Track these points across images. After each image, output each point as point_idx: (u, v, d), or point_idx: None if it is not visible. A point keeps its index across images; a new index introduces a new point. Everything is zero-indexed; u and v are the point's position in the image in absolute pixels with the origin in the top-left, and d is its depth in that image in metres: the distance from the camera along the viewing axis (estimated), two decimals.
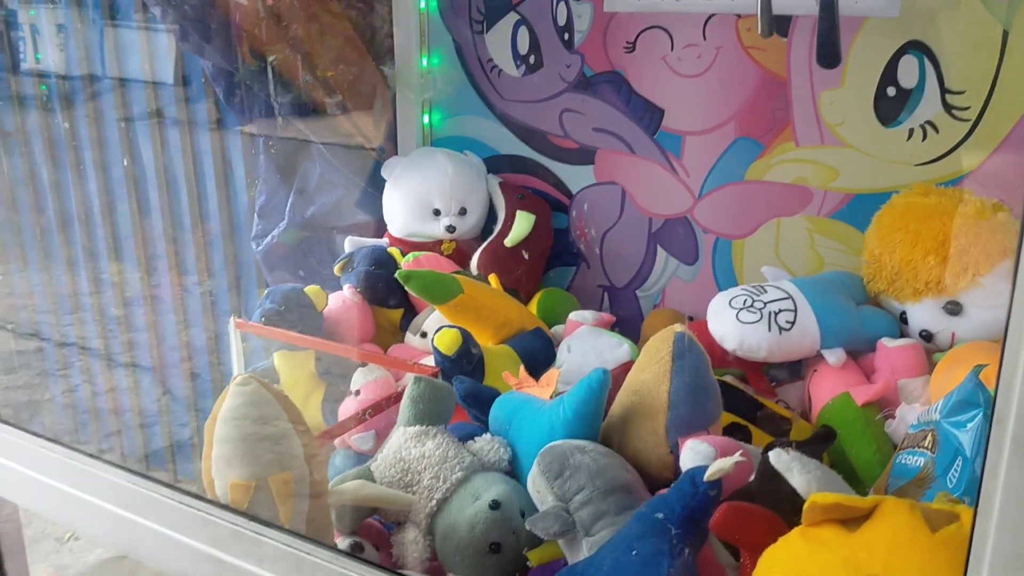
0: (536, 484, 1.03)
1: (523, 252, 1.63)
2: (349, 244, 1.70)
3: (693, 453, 0.97)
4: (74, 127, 2.50)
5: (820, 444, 0.94)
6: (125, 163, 2.45)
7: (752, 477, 0.93)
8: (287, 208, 1.83)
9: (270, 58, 1.64)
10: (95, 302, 2.80)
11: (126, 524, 1.01)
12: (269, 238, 1.84)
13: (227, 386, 0.96)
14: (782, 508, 0.83)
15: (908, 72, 1.33)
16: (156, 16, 2.03)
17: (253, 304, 1.72)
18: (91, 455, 1.02)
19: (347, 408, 1.42)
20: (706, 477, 0.87)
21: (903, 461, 0.95)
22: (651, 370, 1.09)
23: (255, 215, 1.88)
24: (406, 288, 1.40)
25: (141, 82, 2.27)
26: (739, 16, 1.44)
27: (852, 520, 0.72)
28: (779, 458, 0.85)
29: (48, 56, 2.46)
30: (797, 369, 1.38)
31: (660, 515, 0.86)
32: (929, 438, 0.92)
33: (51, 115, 2.55)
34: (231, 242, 2.22)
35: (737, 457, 0.87)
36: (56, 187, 2.64)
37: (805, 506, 0.73)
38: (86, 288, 2.82)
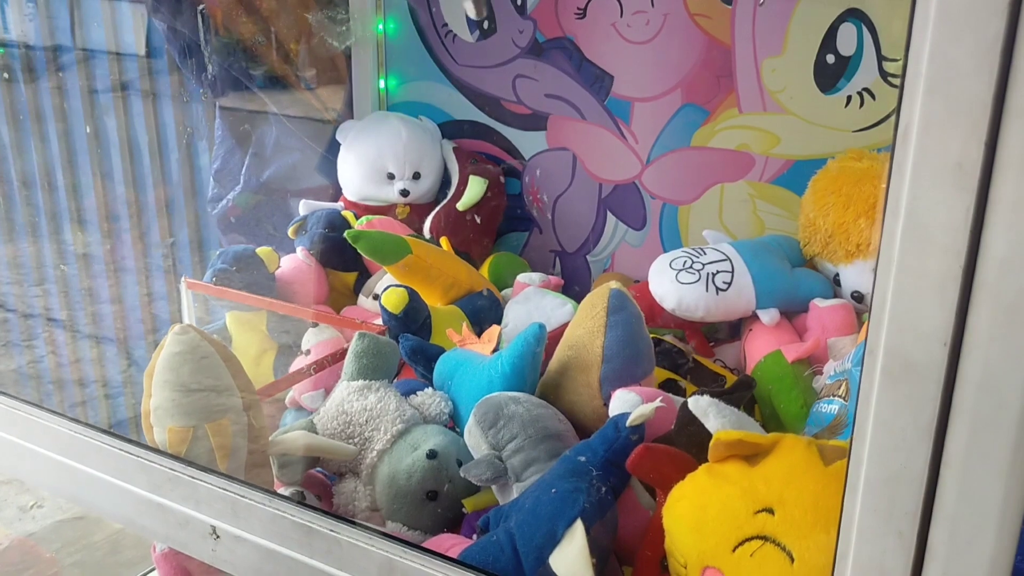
0: (472, 434, 1.06)
1: (475, 216, 1.65)
2: (303, 207, 1.71)
3: (620, 402, 1.01)
4: (39, 98, 2.49)
5: (739, 393, 0.98)
6: (88, 130, 2.44)
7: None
8: (243, 172, 1.85)
9: (232, 27, 1.64)
10: (59, 273, 2.79)
11: (68, 471, 1.03)
12: (224, 202, 1.85)
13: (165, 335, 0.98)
14: (698, 451, 0.87)
15: (847, 39, 1.36)
16: None
17: None
18: (31, 403, 1.04)
19: (298, 367, 1.44)
20: (628, 422, 0.91)
21: (820, 409, 0.99)
22: (586, 325, 1.12)
23: (211, 179, 1.89)
24: (356, 248, 1.42)
25: (108, 53, 2.26)
26: None
27: (754, 456, 0.75)
28: (697, 403, 0.89)
29: (16, 26, 2.45)
30: (736, 329, 1.42)
31: (583, 458, 0.90)
32: (843, 387, 0.96)
33: (15, 85, 2.54)
34: (194, 211, 2.23)
35: (657, 403, 0.91)
36: (20, 156, 2.63)
37: (711, 443, 0.77)
38: (50, 259, 2.81)
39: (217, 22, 1.68)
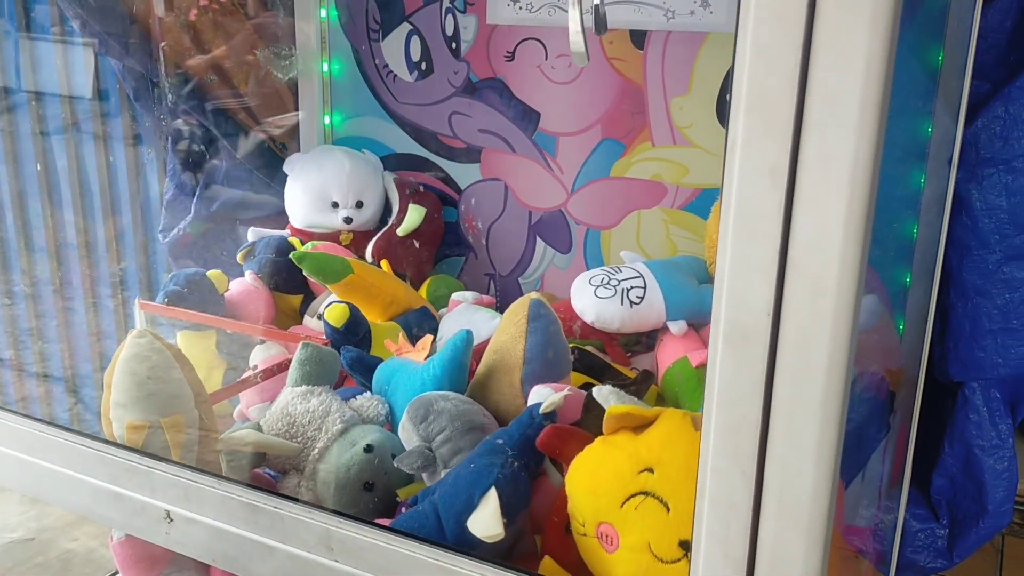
0: (405, 429, 1.17)
1: (414, 241, 1.77)
2: (252, 234, 1.82)
3: (537, 396, 1.13)
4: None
5: (640, 385, 1.11)
6: (38, 168, 2.51)
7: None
8: (194, 202, 1.95)
9: (184, 64, 1.76)
10: (6, 313, 2.83)
11: (29, 467, 1.11)
12: (176, 230, 1.95)
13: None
14: (601, 432, 1.00)
15: None
16: (74, 29, 2.12)
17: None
18: None
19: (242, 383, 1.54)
20: (541, 410, 1.03)
21: None
22: (509, 332, 1.25)
23: (163, 208, 1.99)
24: (300, 269, 1.53)
25: (57, 96, 2.34)
26: None
27: (641, 427, 0.88)
28: (599, 392, 1.01)
29: None
30: (651, 341, 1.55)
31: (500, 441, 1.01)
32: None
33: None
34: (144, 250, 2.30)
35: (565, 392, 1.04)
36: None
37: (604, 417, 0.89)
38: None
39: (172, 60, 1.80)
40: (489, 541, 0.88)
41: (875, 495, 1.48)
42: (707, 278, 1.54)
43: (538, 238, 1.79)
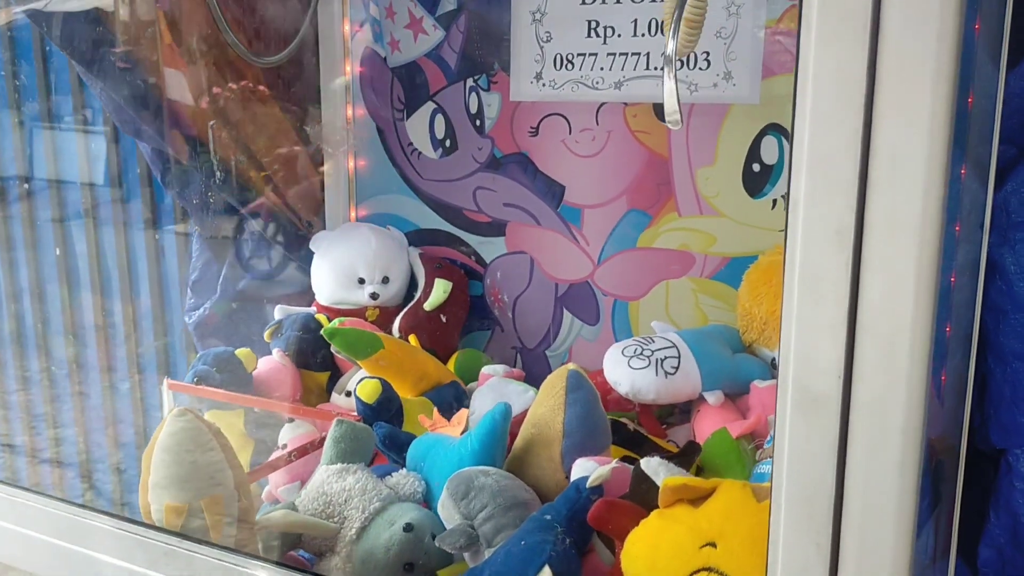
0: (445, 506, 1.15)
1: (441, 316, 1.77)
2: (279, 312, 1.82)
3: (581, 469, 1.11)
4: (7, 227, 2.57)
5: (687, 456, 1.08)
6: (57, 252, 2.52)
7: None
8: (219, 282, 1.95)
9: (216, 148, 1.78)
10: (21, 399, 2.81)
11: (63, 553, 1.09)
12: (202, 310, 1.95)
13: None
14: (651, 508, 0.97)
15: (769, 150, 1.54)
16: (87, 118, 2.16)
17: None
18: (28, 489, 1.11)
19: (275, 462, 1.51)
20: (588, 484, 1.01)
21: (760, 471, 1.10)
22: (547, 404, 1.23)
23: (188, 289, 1.99)
24: (331, 345, 1.52)
25: (76, 184, 2.37)
26: (626, 104, 1.65)
27: (699, 499, 0.86)
28: (648, 464, 0.99)
29: None
30: (686, 413, 1.53)
31: (548, 516, 0.99)
32: None
33: None
34: (162, 335, 2.30)
35: (613, 464, 1.01)
36: None
37: (660, 489, 0.87)
38: (13, 386, 2.83)
39: (203, 144, 1.82)
40: None
41: (924, 570, 1.43)
42: (741, 347, 1.53)
43: (565, 310, 1.78)
